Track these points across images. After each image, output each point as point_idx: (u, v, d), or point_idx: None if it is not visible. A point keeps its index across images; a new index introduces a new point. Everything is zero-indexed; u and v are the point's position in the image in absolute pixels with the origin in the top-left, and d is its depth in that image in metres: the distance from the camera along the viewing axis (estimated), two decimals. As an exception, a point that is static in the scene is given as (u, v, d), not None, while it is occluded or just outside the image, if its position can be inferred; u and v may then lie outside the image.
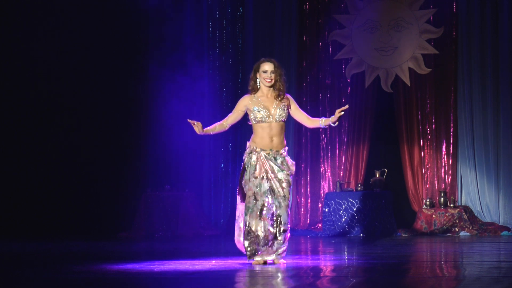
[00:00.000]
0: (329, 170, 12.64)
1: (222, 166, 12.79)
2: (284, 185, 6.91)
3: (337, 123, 7.02)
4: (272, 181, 6.88)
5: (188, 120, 7.13)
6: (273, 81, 6.99)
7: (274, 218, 6.84)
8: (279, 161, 6.91)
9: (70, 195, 12.42)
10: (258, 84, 7.04)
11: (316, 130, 12.63)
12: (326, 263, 7.03)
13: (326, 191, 12.45)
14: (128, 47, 12.58)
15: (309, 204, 12.62)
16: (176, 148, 12.52)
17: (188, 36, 12.75)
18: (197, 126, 7.03)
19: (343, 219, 11.68)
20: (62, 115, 12.50)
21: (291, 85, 12.48)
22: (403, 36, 12.40)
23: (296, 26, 12.72)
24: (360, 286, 5.34)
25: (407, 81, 12.37)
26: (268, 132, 6.95)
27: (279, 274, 6.10)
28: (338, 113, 6.93)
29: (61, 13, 12.31)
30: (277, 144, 6.96)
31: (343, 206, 11.72)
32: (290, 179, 6.97)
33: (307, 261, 7.24)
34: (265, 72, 6.97)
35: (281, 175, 6.90)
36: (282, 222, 6.85)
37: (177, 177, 12.53)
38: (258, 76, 7.02)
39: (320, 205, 12.46)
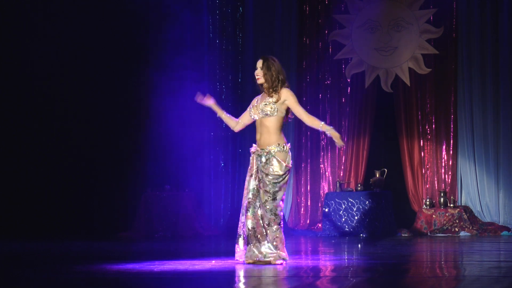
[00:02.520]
0: (329, 170, 12.64)
1: (222, 166, 12.79)
2: (261, 185, 6.79)
3: (329, 134, 6.83)
4: (256, 181, 6.84)
5: (198, 99, 7.07)
6: (261, 78, 6.94)
7: (259, 218, 6.80)
8: (263, 159, 6.81)
9: (70, 195, 12.42)
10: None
11: (316, 130, 12.60)
12: (326, 263, 7.03)
13: (326, 191, 12.45)
14: (128, 47, 12.57)
15: (309, 204, 12.62)
16: (176, 148, 12.52)
17: (188, 36, 12.74)
18: (206, 100, 7.02)
19: (343, 219, 11.68)
20: (62, 115, 12.49)
21: (291, 85, 12.42)
22: (403, 36, 12.40)
23: (296, 26, 12.72)
24: (360, 286, 5.34)
25: (407, 81, 12.37)
26: (258, 129, 6.91)
27: (279, 274, 6.10)
28: (335, 137, 6.76)
29: (61, 13, 12.30)
30: (264, 142, 6.82)
31: (343, 206, 11.72)
32: (274, 180, 6.73)
33: (307, 261, 7.24)
34: (256, 69, 6.97)
35: (261, 175, 6.80)
36: (263, 223, 6.79)
37: (177, 177, 12.52)
38: None
39: (320, 205, 12.46)
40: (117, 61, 12.47)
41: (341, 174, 12.54)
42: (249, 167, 6.93)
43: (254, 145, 6.98)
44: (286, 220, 12.32)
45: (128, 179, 12.58)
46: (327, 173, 12.65)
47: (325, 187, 12.60)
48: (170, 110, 12.48)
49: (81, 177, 12.50)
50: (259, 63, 6.94)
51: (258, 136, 6.89)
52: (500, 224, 11.82)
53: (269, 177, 6.74)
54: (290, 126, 12.47)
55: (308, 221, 12.52)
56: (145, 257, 7.87)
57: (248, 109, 7.05)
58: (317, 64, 12.72)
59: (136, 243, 10.28)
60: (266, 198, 6.76)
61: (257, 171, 6.83)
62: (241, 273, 6.22)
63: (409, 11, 12.41)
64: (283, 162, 6.78)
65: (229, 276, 6.08)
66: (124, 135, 12.65)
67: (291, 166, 6.85)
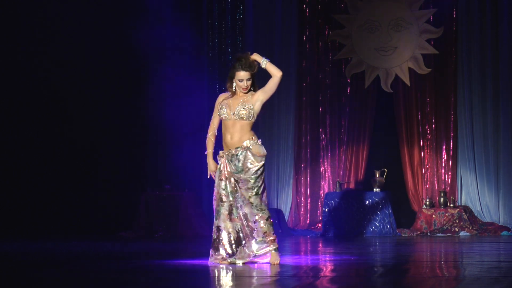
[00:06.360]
0: (329, 170, 12.64)
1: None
2: (240, 184, 6.83)
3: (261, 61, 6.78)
4: (232, 183, 6.88)
5: (210, 175, 7.08)
6: (249, 87, 6.93)
7: (243, 217, 6.83)
8: (240, 157, 6.83)
9: (70, 195, 12.41)
10: (234, 88, 6.96)
11: (315, 130, 12.65)
12: (326, 263, 7.03)
13: (326, 191, 12.46)
14: (127, 48, 12.56)
15: (309, 204, 12.62)
16: (176, 148, 12.52)
17: (187, 37, 12.74)
18: (215, 169, 7.02)
19: (343, 219, 11.68)
20: (62, 115, 12.49)
21: (291, 85, 12.48)
22: (403, 36, 12.41)
23: (296, 26, 12.73)
24: (360, 286, 5.34)
25: (407, 81, 12.37)
26: (229, 130, 6.91)
27: (279, 274, 6.10)
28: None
29: (63, 14, 12.31)
30: (236, 142, 6.87)
31: (343, 206, 11.72)
32: (253, 171, 6.76)
33: (307, 261, 7.24)
34: (240, 81, 6.87)
35: (238, 175, 6.83)
36: (250, 220, 6.82)
37: (177, 177, 12.52)
38: (234, 81, 6.93)
39: (320, 205, 12.46)
40: (117, 61, 12.47)
41: (341, 174, 12.55)
42: (218, 172, 6.94)
43: (220, 151, 7.02)
44: (286, 220, 12.32)
45: (128, 179, 12.58)
46: (327, 173, 12.65)
47: (325, 187, 12.60)
48: (170, 111, 12.47)
49: (82, 177, 12.50)
50: (246, 75, 6.85)
51: (228, 137, 6.92)
52: (500, 224, 11.83)
53: (251, 171, 6.79)
54: (290, 126, 12.47)
55: (308, 221, 12.52)
56: (145, 257, 7.87)
57: (218, 110, 7.00)
58: (317, 64, 12.72)
59: (136, 243, 10.28)
60: (249, 194, 6.80)
61: (231, 173, 6.88)
62: (240, 273, 6.23)
63: (409, 11, 12.41)
64: (259, 153, 6.82)
65: (229, 276, 6.08)
66: (124, 135, 12.64)
67: (266, 153, 6.86)
